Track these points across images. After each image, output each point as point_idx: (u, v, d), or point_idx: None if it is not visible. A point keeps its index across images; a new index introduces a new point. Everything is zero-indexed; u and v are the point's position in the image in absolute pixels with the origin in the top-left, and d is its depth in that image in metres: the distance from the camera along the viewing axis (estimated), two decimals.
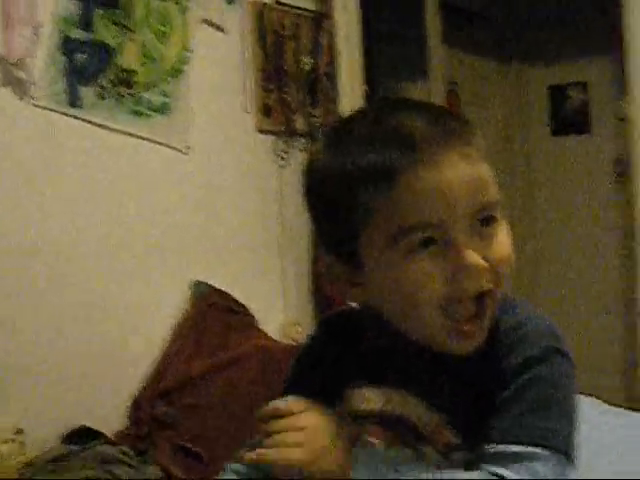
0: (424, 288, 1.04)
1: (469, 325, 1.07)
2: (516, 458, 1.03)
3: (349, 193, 1.06)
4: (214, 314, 3.11)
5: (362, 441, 1.15)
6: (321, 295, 3.66)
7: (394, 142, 1.03)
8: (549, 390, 1.07)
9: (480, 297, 1.06)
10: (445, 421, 1.11)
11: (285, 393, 1.26)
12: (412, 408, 1.13)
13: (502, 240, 1.09)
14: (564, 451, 1.06)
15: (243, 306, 3.24)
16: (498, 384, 1.08)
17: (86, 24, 2.90)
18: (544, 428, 1.04)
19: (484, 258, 1.05)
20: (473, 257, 1.04)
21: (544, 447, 1.03)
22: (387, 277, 1.07)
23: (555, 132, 5.17)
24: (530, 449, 1.03)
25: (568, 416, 1.09)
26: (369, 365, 1.18)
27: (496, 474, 1.02)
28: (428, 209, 1.02)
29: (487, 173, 1.07)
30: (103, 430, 2.73)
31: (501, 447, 1.04)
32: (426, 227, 1.03)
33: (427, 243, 1.04)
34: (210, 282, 3.23)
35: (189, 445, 2.72)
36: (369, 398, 1.16)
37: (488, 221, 1.07)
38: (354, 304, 1.25)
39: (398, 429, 1.14)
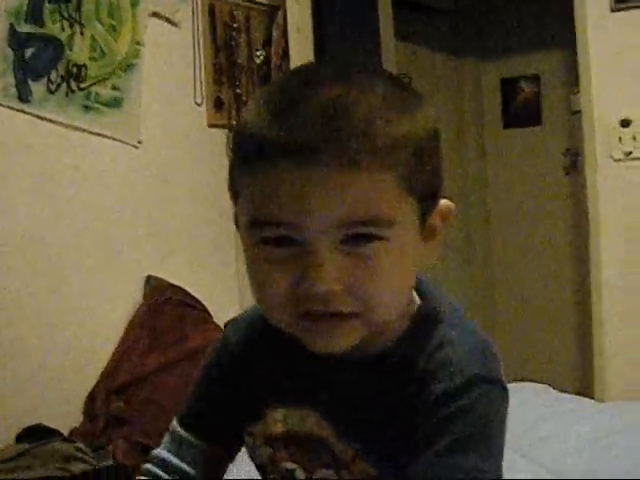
0: (269, 286, 0.95)
1: (322, 326, 0.95)
2: None
3: (232, 160, 0.99)
4: (168, 309, 3.10)
5: (280, 469, 1.09)
6: None
7: (274, 128, 0.91)
8: (471, 426, 0.96)
9: (334, 316, 0.95)
10: (361, 452, 1.02)
11: (193, 408, 1.19)
12: (327, 432, 1.05)
13: (377, 262, 0.93)
14: None
15: (197, 300, 3.24)
16: (416, 413, 0.98)
17: (35, 18, 2.86)
18: (463, 468, 0.94)
19: (346, 280, 0.92)
20: (323, 273, 0.92)
21: None
22: (246, 257, 1.00)
23: (507, 125, 5.21)
24: None
25: (492, 451, 0.98)
26: (282, 381, 1.10)
27: None
28: (282, 209, 0.91)
29: (377, 186, 0.91)
30: (58, 427, 2.72)
31: None
32: (278, 225, 0.92)
33: (280, 241, 0.93)
34: (164, 277, 3.22)
35: (145, 440, 2.71)
36: (284, 419, 1.08)
37: (364, 238, 0.92)
38: None
39: (316, 451, 1.06)
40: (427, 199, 0.98)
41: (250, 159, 0.94)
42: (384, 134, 0.91)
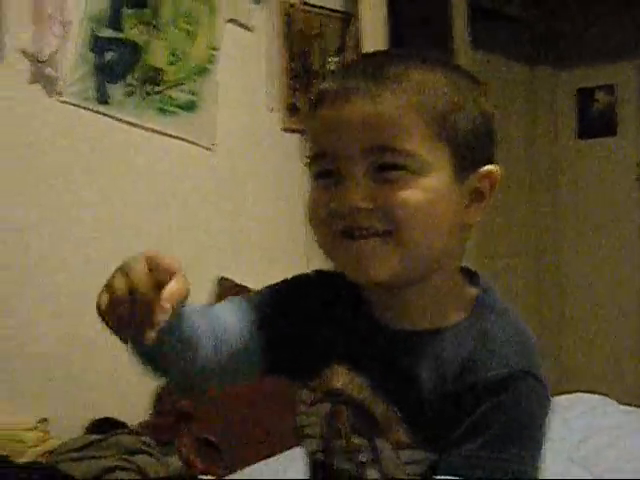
0: (313, 208, 1.09)
1: (360, 246, 1.05)
2: None
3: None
4: None
5: (331, 425, 1.12)
6: None
7: (334, 82, 1.09)
8: (514, 422, 0.98)
9: (369, 237, 1.04)
10: (398, 417, 1.05)
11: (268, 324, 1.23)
12: (370, 396, 1.08)
13: (403, 185, 1.03)
14: None
15: None
16: (455, 395, 1.01)
17: (115, 23, 2.95)
18: (502, 465, 0.97)
19: (374, 200, 1.03)
20: (349, 192, 1.04)
21: None
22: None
23: (581, 134, 5.16)
24: None
25: (532, 450, 0.99)
26: (342, 340, 1.14)
27: None
28: (324, 141, 1.07)
29: (402, 121, 1.03)
30: (127, 421, 2.78)
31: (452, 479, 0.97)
32: (323, 157, 1.08)
33: (325, 174, 1.08)
34: (236, 279, 3.27)
35: (210, 437, 2.76)
36: (338, 377, 1.12)
37: (390, 167, 1.03)
38: None
39: (356, 416, 1.09)
40: (464, 154, 1.06)
41: (314, 106, 1.10)
42: (416, 82, 1.05)
